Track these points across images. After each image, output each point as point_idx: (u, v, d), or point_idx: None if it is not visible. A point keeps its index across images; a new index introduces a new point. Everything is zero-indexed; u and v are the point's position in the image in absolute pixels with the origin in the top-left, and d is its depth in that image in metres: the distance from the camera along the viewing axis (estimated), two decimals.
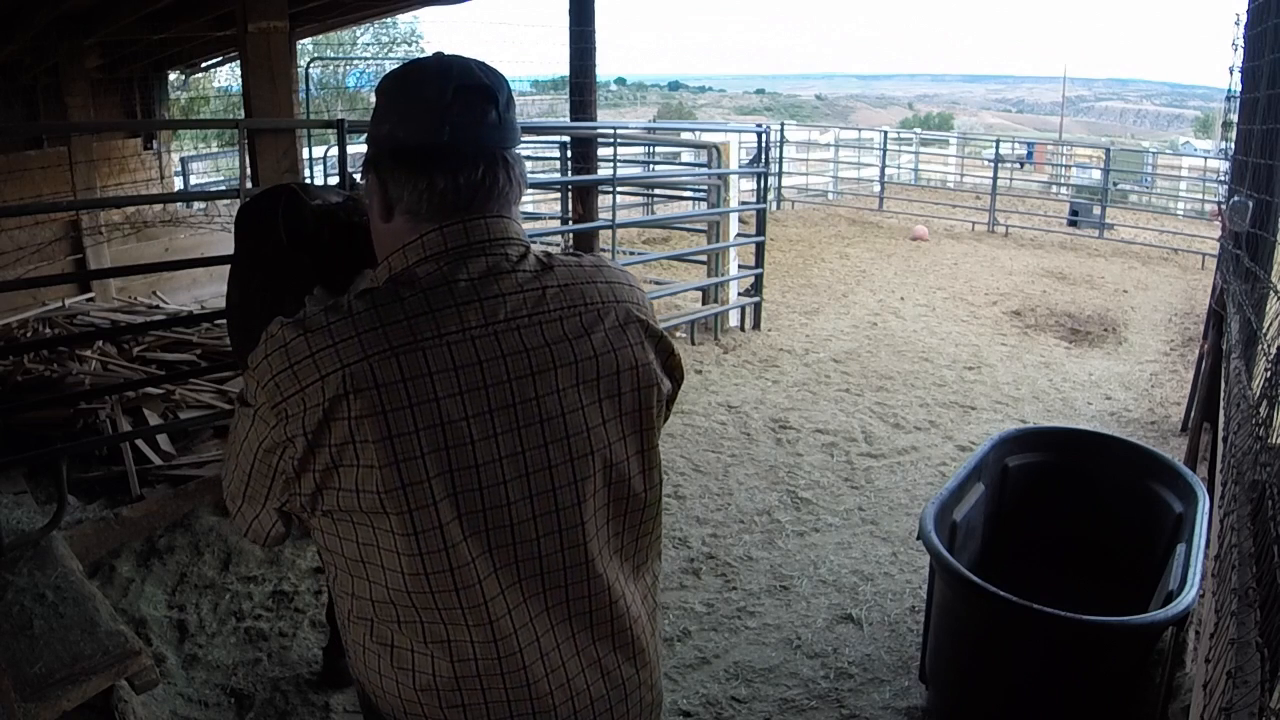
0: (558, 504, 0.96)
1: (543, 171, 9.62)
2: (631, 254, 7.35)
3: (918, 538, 2.36)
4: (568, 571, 0.98)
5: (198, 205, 8.51)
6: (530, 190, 9.09)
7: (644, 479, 1.04)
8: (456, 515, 0.91)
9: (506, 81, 0.98)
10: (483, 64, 0.97)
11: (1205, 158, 14.44)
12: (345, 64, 22.10)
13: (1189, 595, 2.03)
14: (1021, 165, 17.39)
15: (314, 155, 9.00)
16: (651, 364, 1.03)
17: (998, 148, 12.97)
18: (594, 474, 0.98)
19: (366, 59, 22.88)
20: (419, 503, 0.90)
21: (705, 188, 6.41)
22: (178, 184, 10.91)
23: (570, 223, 6.14)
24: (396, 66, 1.00)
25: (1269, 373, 1.71)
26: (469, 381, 0.91)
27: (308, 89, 12.53)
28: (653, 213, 9.53)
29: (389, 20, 22.43)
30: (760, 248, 6.34)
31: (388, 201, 0.97)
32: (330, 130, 4.19)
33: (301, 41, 9.87)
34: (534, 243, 1.02)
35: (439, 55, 0.98)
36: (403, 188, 0.95)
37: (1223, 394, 2.83)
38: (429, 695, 0.96)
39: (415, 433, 0.89)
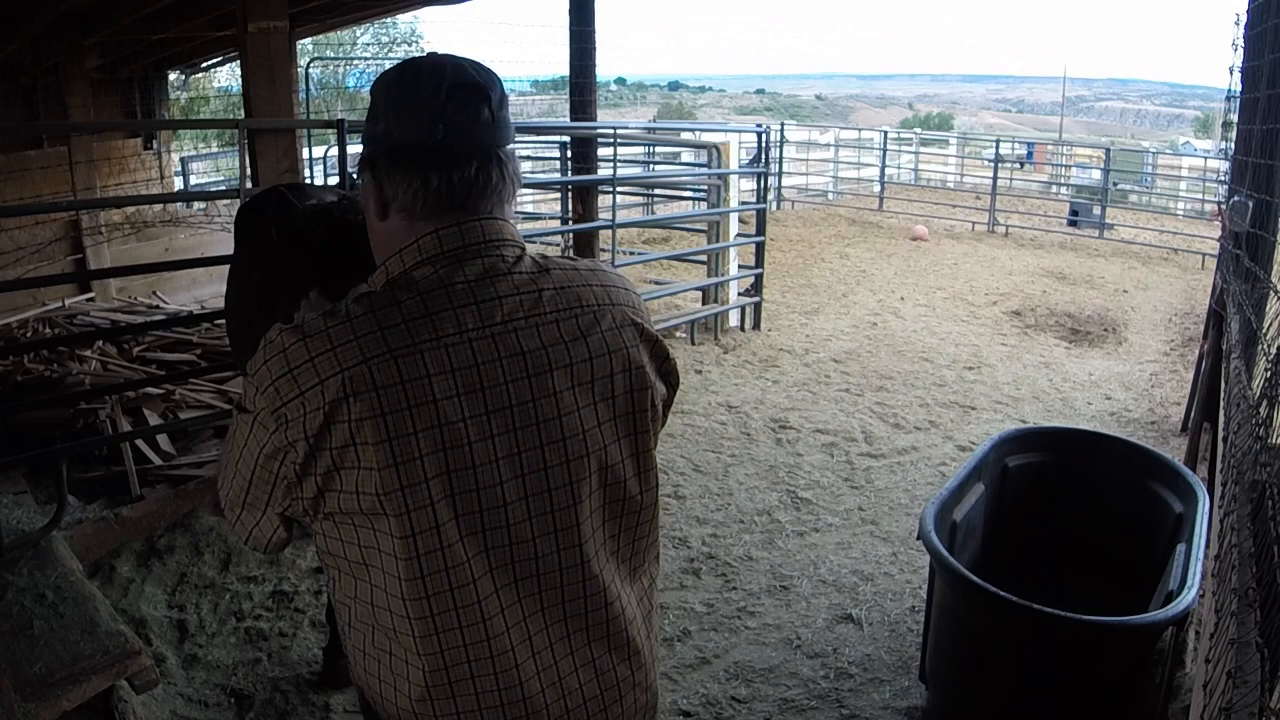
0: (553, 505, 0.96)
1: (543, 171, 9.62)
2: (631, 254, 7.35)
3: (918, 538, 2.36)
4: (563, 572, 0.98)
5: (198, 205, 8.51)
6: (530, 190, 9.13)
7: (640, 481, 1.04)
8: (454, 515, 0.91)
9: (499, 80, 0.99)
10: (475, 63, 0.98)
11: (1205, 158, 14.45)
12: (345, 64, 22.11)
13: (1189, 595, 2.03)
14: (1021, 165, 17.38)
15: (314, 155, 9.00)
16: (646, 367, 1.03)
17: (998, 148, 12.97)
18: (590, 475, 0.99)
19: (366, 59, 22.88)
20: (417, 504, 0.90)
21: (705, 188, 6.41)
22: (178, 184, 10.90)
23: (570, 223, 6.14)
24: (391, 66, 1.00)
25: (1269, 373, 1.71)
26: (466, 384, 0.91)
27: (308, 89, 12.54)
28: (653, 213, 9.53)
29: (389, 20, 22.46)
30: (760, 248, 6.33)
31: (383, 200, 0.97)
32: (330, 130, 4.19)
33: (301, 41, 9.87)
34: (531, 243, 1.03)
35: (432, 55, 0.99)
36: (398, 186, 0.95)
37: (1223, 394, 2.83)
38: (424, 705, 0.96)
39: (414, 434, 0.89)
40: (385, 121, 0.96)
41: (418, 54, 1.08)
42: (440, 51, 1.01)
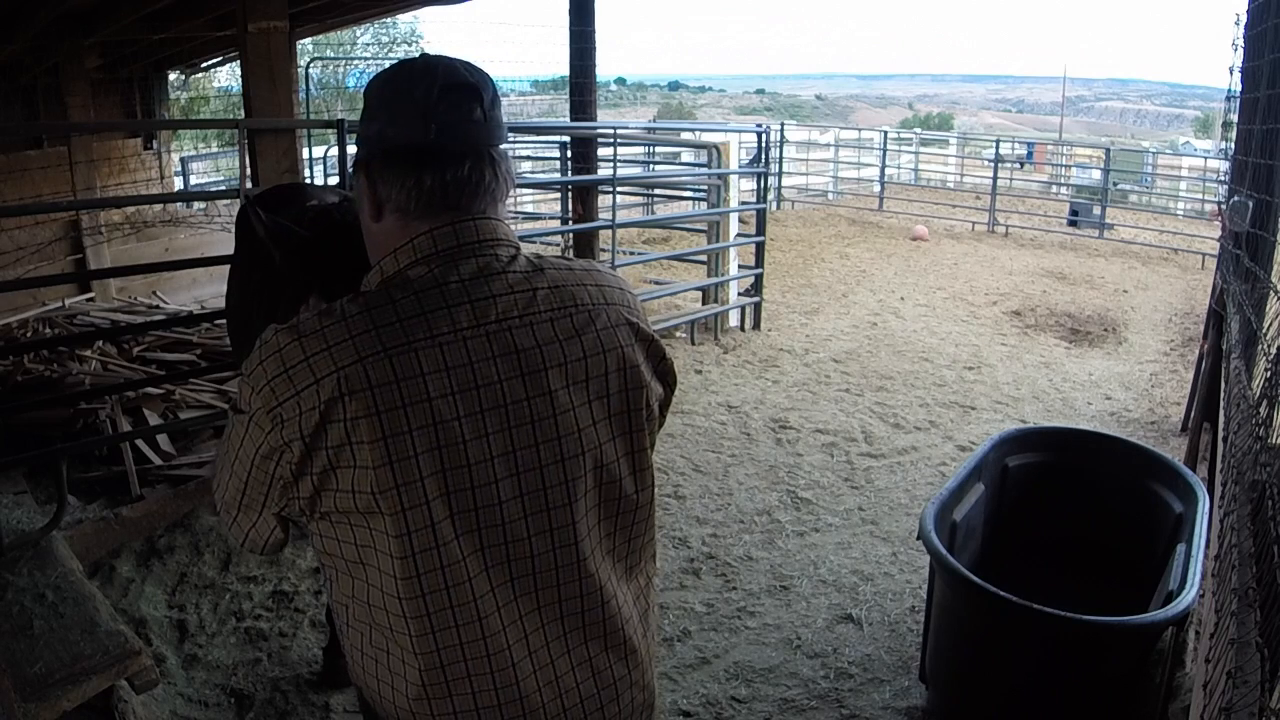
0: (548, 503, 0.97)
1: (543, 171, 9.62)
2: (631, 254, 7.34)
3: (918, 538, 2.36)
4: (559, 571, 0.98)
5: (198, 205, 8.51)
6: (530, 190, 9.13)
7: (635, 480, 1.04)
8: (449, 514, 0.92)
9: (492, 80, 0.99)
10: (468, 64, 0.99)
11: (1205, 158, 14.45)
12: (345, 64, 22.10)
13: (1189, 595, 2.03)
14: (1021, 165, 17.38)
15: (314, 155, 9.01)
16: (640, 366, 1.03)
17: (998, 148, 12.96)
18: (585, 474, 0.99)
19: (366, 59, 22.87)
20: (412, 502, 0.90)
21: (705, 188, 6.41)
22: (178, 184, 10.90)
23: (570, 223, 6.14)
24: (384, 69, 1.01)
25: (1269, 373, 1.71)
26: (461, 382, 0.92)
27: (308, 89, 12.53)
28: (653, 213, 9.53)
29: (389, 20, 22.45)
30: (760, 248, 6.33)
31: (378, 201, 0.98)
32: (330, 130, 4.19)
33: (301, 41, 9.86)
34: (531, 243, 1.03)
35: (425, 56, 1.00)
36: (391, 186, 0.96)
37: (1223, 394, 2.83)
38: (420, 704, 0.96)
39: (409, 433, 0.90)
40: (379, 123, 0.97)
41: (417, 54, 1.08)
42: (439, 52, 1.01)
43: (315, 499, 0.93)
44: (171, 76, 10.59)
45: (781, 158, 13.03)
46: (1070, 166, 16.69)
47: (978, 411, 4.89)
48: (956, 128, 58.33)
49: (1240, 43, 3.43)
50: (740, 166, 6.85)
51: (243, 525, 1.01)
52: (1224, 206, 3.77)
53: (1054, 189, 15.08)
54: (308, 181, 5.47)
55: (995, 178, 11.76)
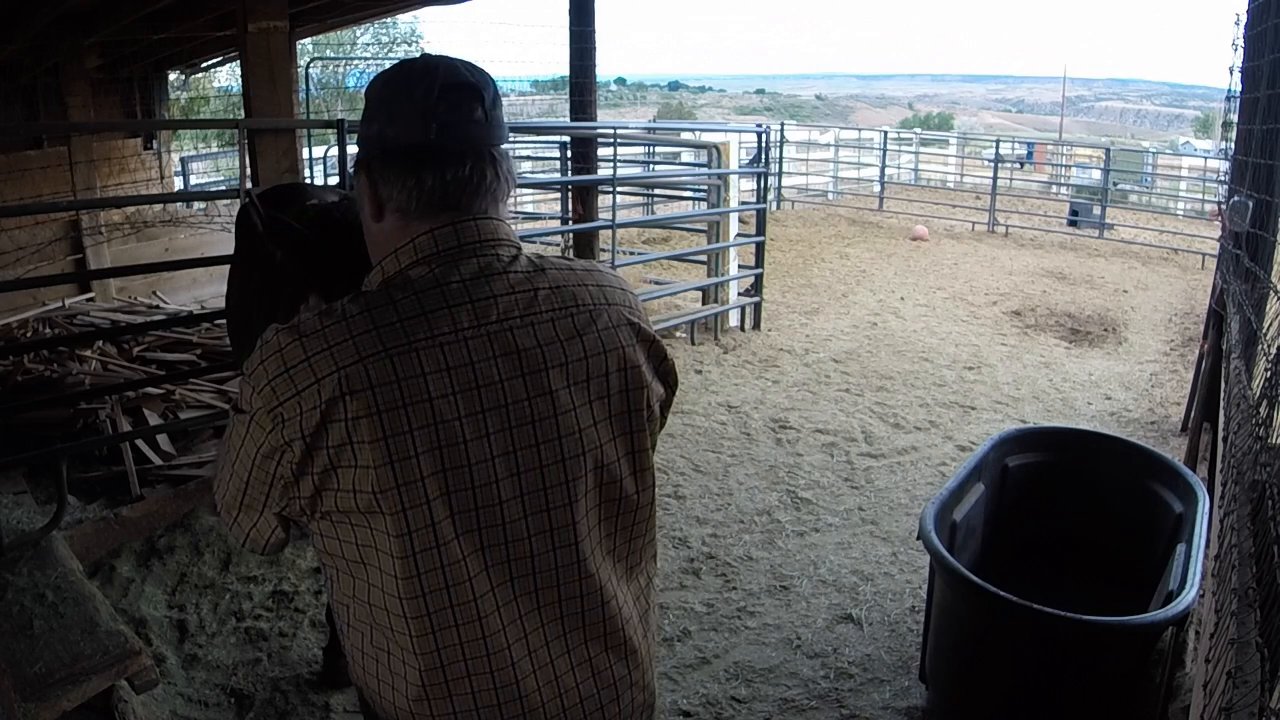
0: (549, 503, 0.97)
1: (543, 171, 9.62)
2: (631, 254, 7.34)
3: (918, 538, 2.36)
4: (559, 571, 0.98)
5: (198, 205, 8.50)
6: (530, 190, 9.14)
7: (635, 480, 1.04)
8: (449, 514, 0.92)
9: (493, 80, 0.99)
10: (469, 63, 0.99)
11: (1205, 158, 14.46)
12: (345, 64, 22.10)
13: (1189, 595, 2.03)
14: (1021, 165, 17.38)
15: (314, 155, 9.01)
16: (641, 366, 1.03)
17: (998, 148, 12.96)
18: (585, 474, 0.99)
19: (366, 59, 22.87)
20: (413, 502, 0.90)
21: (705, 188, 6.41)
22: (178, 184, 10.90)
23: (570, 223, 6.14)
24: (384, 69, 1.01)
25: (1269, 373, 1.71)
26: (462, 382, 0.92)
27: (308, 89, 12.53)
28: (653, 213, 9.53)
29: (389, 20, 22.46)
30: (760, 248, 6.33)
31: (378, 201, 0.98)
32: (330, 130, 4.19)
33: (301, 41, 9.86)
34: (531, 243, 1.03)
35: (425, 56, 1.00)
36: (392, 186, 0.96)
37: (1223, 394, 2.83)
38: (421, 705, 0.96)
39: (410, 433, 0.90)
40: (379, 123, 0.97)
41: (417, 54, 1.08)
42: (439, 51, 1.01)
43: (316, 499, 0.93)
44: (171, 76, 10.59)
45: (781, 158, 13.03)
46: (1070, 166, 16.69)
47: (978, 411, 4.89)
48: (956, 128, 58.35)
49: (1240, 43, 3.43)
50: (740, 166, 6.85)
51: (243, 525, 1.01)
52: (1224, 206, 3.77)
53: (1054, 189, 15.09)
54: (308, 181, 5.47)
55: (995, 178, 11.76)
